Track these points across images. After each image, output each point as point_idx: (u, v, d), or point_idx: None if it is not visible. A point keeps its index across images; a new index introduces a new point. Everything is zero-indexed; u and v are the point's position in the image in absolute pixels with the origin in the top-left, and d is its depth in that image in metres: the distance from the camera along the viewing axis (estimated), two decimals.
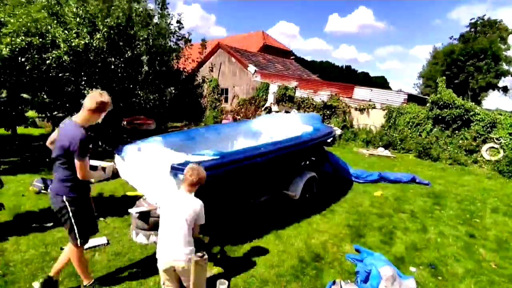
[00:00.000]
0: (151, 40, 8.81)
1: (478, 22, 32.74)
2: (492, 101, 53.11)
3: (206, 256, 2.29)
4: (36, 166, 6.76)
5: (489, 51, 29.73)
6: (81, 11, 7.55)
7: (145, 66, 8.74)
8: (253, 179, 4.21)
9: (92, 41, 7.51)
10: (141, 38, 8.49)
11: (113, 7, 7.95)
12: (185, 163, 3.30)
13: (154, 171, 3.67)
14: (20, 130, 9.15)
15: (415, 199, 5.88)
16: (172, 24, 10.00)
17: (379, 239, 4.14)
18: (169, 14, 9.80)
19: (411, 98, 12.35)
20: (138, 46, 8.61)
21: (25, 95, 6.84)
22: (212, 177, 3.38)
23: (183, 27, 10.33)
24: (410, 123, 11.06)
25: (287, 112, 13.35)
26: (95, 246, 3.45)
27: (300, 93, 14.18)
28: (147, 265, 3.16)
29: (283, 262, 3.39)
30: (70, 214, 2.49)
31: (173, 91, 9.80)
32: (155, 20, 9.54)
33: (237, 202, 4.18)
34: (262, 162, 3.99)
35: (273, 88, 14.94)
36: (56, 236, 3.71)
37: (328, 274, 3.23)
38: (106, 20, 7.69)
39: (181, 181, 3.19)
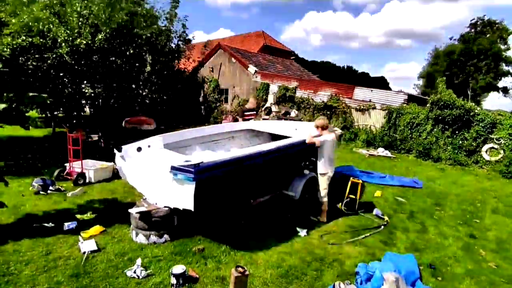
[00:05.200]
0: (154, 39, 8.82)
1: (478, 23, 32.75)
2: (492, 101, 53.01)
3: (247, 272, 2.27)
4: (36, 167, 6.77)
5: (489, 52, 29.74)
6: (85, 11, 7.54)
7: (148, 65, 8.75)
8: (252, 179, 4.21)
9: (94, 40, 7.50)
10: (143, 37, 8.48)
11: (117, 8, 7.93)
12: (185, 164, 3.30)
13: (154, 171, 3.68)
14: (22, 131, 9.17)
15: (415, 199, 5.88)
16: (176, 25, 10.01)
17: (379, 239, 4.13)
18: (176, 14, 9.78)
19: (411, 98, 12.35)
20: (141, 45, 8.61)
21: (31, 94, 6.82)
22: (212, 177, 3.39)
23: (187, 29, 10.39)
24: (410, 123, 11.05)
25: (287, 112, 13.35)
26: (85, 252, 3.34)
27: (300, 94, 14.19)
28: (146, 265, 3.16)
29: (283, 262, 3.39)
30: None
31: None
32: (161, 20, 9.54)
33: (237, 203, 4.18)
34: (262, 162, 3.99)
35: (273, 88, 14.94)
36: (56, 236, 3.72)
37: (329, 275, 3.22)
38: (109, 22, 7.67)
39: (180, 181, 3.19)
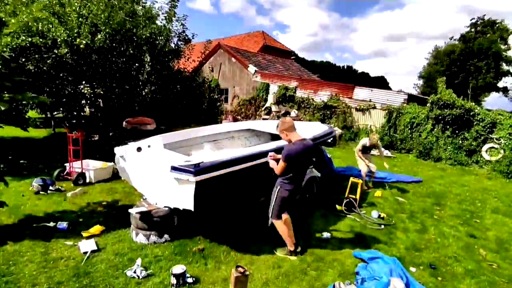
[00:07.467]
0: (153, 39, 8.79)
1: (479, 22, 32.75)
2: (492, 101, 52.99)
3: (247, 272, 2.27)
4: (36, 167, 6.77)
5: (490, 51, 29.76)
6: (84, 11, 7.53)
7: (147, 66, 8.72)
8: (252, 179, 4.21)
9: (94, 40, 7.49)
10: (143, 37, 8.45)
11: (116, 8, 7.90)
12: (185, 164, 3.30)
13: (154, 172, 3.68)
14: (22, 132, 9.18)
15: (415, 199, 5.88)
16: (175, 25, 9.93)
17: (379, 239, 4.13)
18: (175, 14, 9.70)
19: (411, 98, 12.35)
20: (140, 45, 8.57)
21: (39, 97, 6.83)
22: (212, 177, 3.39)
23: (187, 28, 10.32)
24: (411, 123, 11.06)
25: (287, 112, 13.35)
26: (85, 252, 3.35)
27: (300, 93, 14.19)
28: (146, 265, 3.16)
29: (284, 262, 3.39)
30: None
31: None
32: (160, 19, 9.48)
33: (237, 203, 4.18)
34: (262, 163, 3.98)
35: (273, 88, 14.95)
36: (56, 236, 3.72)
37: (329, 274, 3.22)
38: (108, 22, 7.64)
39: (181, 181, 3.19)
